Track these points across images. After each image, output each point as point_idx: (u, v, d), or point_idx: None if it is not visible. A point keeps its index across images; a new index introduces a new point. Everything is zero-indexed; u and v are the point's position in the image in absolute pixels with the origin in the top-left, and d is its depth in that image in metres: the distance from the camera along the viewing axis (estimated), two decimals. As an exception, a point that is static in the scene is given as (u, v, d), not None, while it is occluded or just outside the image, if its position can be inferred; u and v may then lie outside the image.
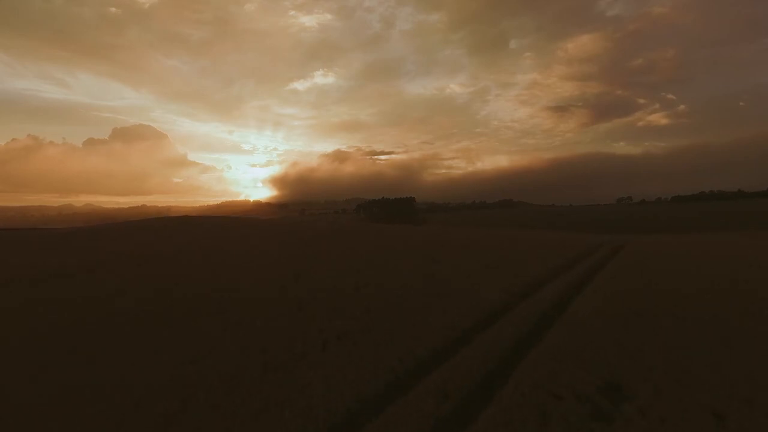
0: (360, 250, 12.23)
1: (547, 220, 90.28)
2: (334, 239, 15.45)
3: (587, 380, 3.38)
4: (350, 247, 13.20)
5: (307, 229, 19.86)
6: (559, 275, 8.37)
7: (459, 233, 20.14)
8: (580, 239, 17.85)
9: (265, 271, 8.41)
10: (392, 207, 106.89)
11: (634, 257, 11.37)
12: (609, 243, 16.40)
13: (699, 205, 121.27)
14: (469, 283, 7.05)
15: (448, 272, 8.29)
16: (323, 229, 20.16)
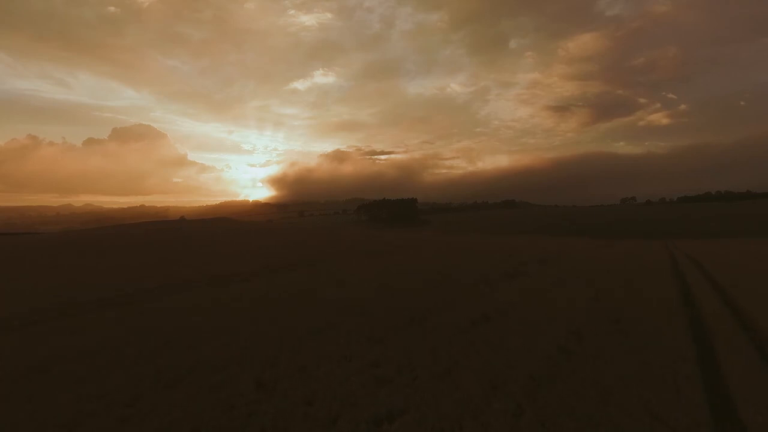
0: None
1: (561, 223, 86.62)
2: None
3: None
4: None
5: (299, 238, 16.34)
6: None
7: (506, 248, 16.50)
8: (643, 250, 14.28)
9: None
10: (394, 208, 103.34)
11: None
12: (686, 257, 12.94)
13: (709, 206, 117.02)
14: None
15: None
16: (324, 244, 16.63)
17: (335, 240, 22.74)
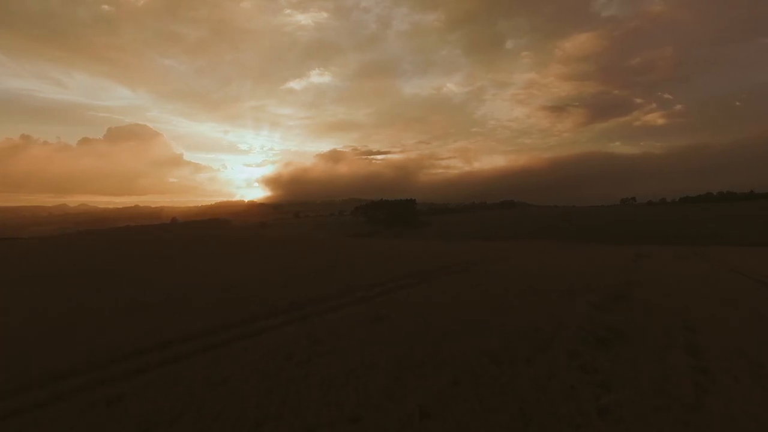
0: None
1: (561, 224, 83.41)
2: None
3: None
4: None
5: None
6: None
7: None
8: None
9: None
10: (393, 209, 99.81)
11: None
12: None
13: (714, 207, 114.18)
14: None
15: None
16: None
17: (326, 268, 19.33)
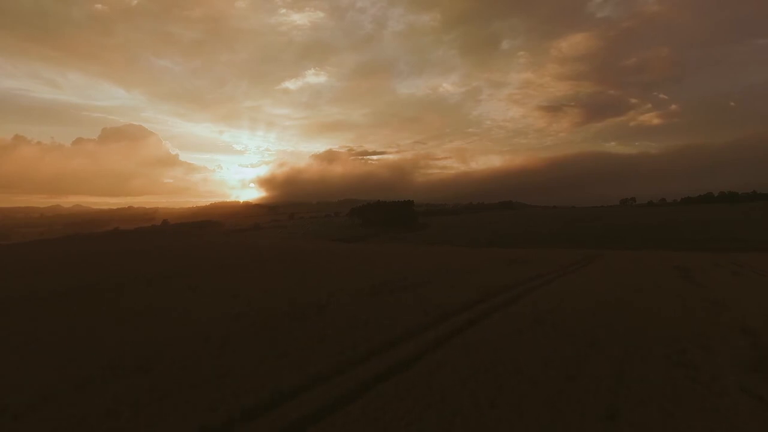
0: None
1: (594, 229, 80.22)
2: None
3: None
4: None
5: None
6: None
7: None
8: None
9: None
10: (391, 211, 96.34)
11: None
12: None
13: (716, 208, 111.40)
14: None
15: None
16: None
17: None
